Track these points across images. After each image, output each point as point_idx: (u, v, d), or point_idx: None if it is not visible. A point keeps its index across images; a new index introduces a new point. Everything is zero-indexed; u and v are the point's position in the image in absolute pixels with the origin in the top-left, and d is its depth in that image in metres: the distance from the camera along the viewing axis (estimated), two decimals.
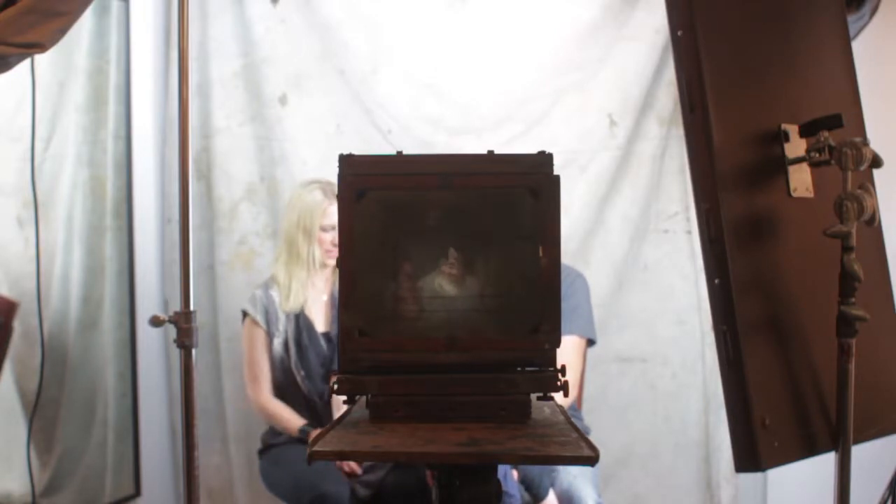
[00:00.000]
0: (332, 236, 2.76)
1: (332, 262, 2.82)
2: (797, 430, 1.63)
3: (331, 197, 2.80)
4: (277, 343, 2.84)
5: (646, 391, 3.23)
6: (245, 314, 2.88)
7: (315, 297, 2.88)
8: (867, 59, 2.06)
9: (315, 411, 2.84)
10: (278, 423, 2.85)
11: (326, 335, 2.87)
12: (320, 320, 2.87)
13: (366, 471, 2.70)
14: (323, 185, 2.84)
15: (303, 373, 2.83)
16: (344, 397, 1.34)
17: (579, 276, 2.83)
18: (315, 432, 2.72)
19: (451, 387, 1.31)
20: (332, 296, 2.88)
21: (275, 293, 2.85)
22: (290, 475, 2.72)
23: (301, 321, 2.83)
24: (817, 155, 1.63)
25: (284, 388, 2.86)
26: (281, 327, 2.84)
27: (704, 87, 1.59)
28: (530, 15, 3.23)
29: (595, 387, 3.15)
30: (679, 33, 1.62)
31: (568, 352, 2.65)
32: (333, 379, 1.31)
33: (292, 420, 2.80)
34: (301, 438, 2.78)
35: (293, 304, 2.82)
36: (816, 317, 1.64)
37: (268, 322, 2.84)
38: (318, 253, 2.81)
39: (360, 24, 3.26)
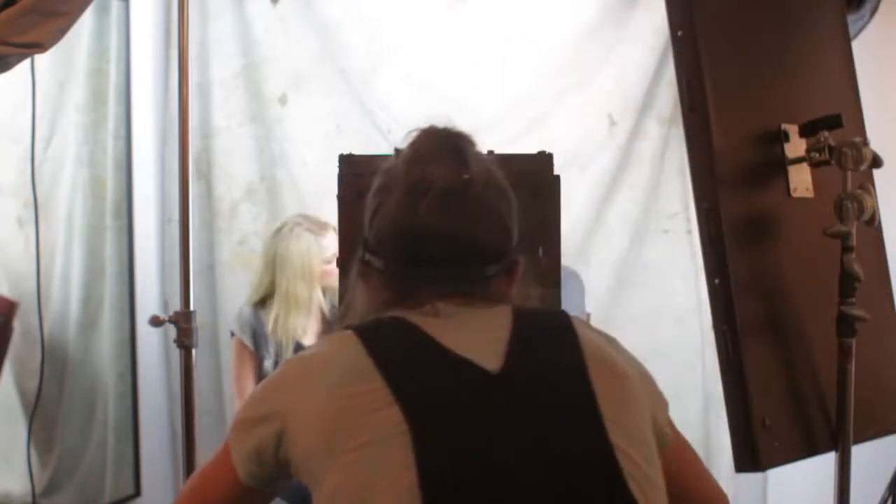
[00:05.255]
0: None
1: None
2: (797, 430, 1.63)
3: (317, 230, 2.71)
4: (268, 365, 2.79)
5: None
6: (233, 333, 2.82)
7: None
8: (867, 59, 2.06)
9: None
10: None
11: None
12: (312, 337, 2.81)
13: None
14: (302, 224, 2.73)
15: None
16: None
17: (574, 275, 2.82)
18: None
19: None
20: (331, 308, 2.81)
21: (263, 315, 2.75)
22: None
23: (294, 347, 2.78)
24: (817, 155, 1.63)
25: None
26: (271, 350, 2.78)
27: (704, 87, 1.59)
28: (530, 15, 3.22)
29: None
30: (679, 33, 1.62)
31: None
32: None
33: None
34: None
35: (287, 337, 2.73)
36: (816, 317, 1.64)
37: (256, 345, 2.77)
38: (320, 296, 2.73)
39: (360, 24, 3.26)
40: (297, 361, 1.07)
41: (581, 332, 1.05)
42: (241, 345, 2.80)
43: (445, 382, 0.96)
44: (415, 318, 1.03)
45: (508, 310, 1.06)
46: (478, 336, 1.01)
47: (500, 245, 1.08)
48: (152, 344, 3.17)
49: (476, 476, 0.90)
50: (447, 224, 1.04)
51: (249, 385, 2.82)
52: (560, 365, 1.01)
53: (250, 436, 1.00)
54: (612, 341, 1.09)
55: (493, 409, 0.94)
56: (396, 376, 0.94)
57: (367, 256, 1.10)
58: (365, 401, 0.93)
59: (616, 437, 0.95)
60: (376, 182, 1.12)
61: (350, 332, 1.02)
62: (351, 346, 0.99)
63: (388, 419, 0.91)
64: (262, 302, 2.77)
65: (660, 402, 1.09)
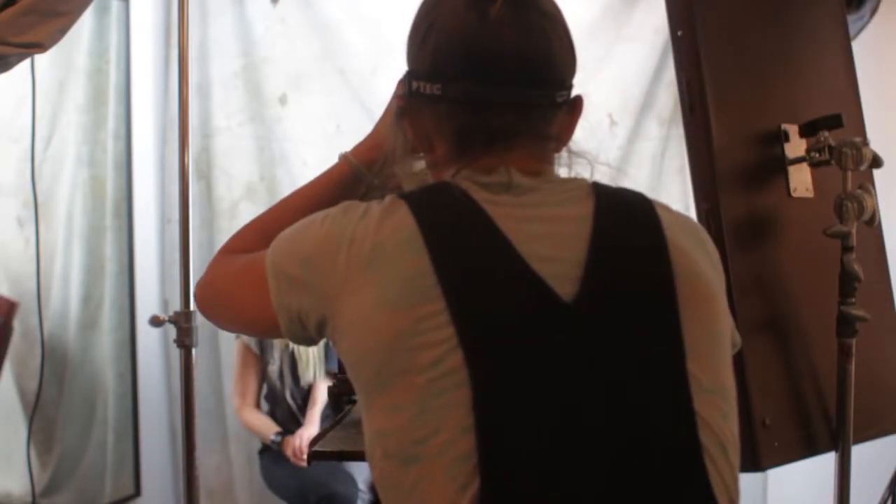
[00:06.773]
0: None
1: None
2: (797, 430, 1.63)
3: None
4: (272, 370, 2.81)
5: None
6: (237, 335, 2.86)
7: None
8: (867, 59, 2.06)
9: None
10: (255, 432, 2.85)
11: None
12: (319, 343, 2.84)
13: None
14: None
15: (299, 401, 2.82)
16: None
17: None
18: (287, 440, 2.73)
19: None
20: None
21: None
22: (296, 474, 2.70)
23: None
24: (817, 155, 1.63)
25: (273, 411, 2.87)
26: (276, 355, 2.80)
27: (704, 87, 1.59)
28: None
29: None
30: (679, 33, 1.62)
31: None
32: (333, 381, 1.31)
33: (268, 430, 2.80)
34: (271, 447, 2.79)
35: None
36: (816, 317, 1.64)
37: (262, 349, 2.81)
38: None
39: (360, 24, 3.26)
40: (350, 237, 0.88)
41: (669, 232, 0.93)
42: (246, 348, 2.81)
43: (513, 317, 0.85)
44: (483, 195, 0.90)
45: (589, 192, 0.95)
46: (555, 232, 0.90)
47: (570, 67, 0.97)
48: (152, 344, 3.17)
49: (540, 457, 0.82)
50: (520, 31, 0.91)
51: (251, 384, 2.83)
52: (645, 295, 0.90)
53: (288, 294, 0.91)
54: (697, 240, 0.98)
55: (564, 359, 0.84)
56: (459, 299, 0.83)
57: (416, 85, 0.96)
58: (424, 327, 0.82)
59: (699, 400, 0.89)
60: (419, 13, 1.00)
61: (408, 212, 0.88)
62: (411, 239, 0.86)
63: (447, 360, 0.81)
64: None
65: (729, 309, 1.00)
